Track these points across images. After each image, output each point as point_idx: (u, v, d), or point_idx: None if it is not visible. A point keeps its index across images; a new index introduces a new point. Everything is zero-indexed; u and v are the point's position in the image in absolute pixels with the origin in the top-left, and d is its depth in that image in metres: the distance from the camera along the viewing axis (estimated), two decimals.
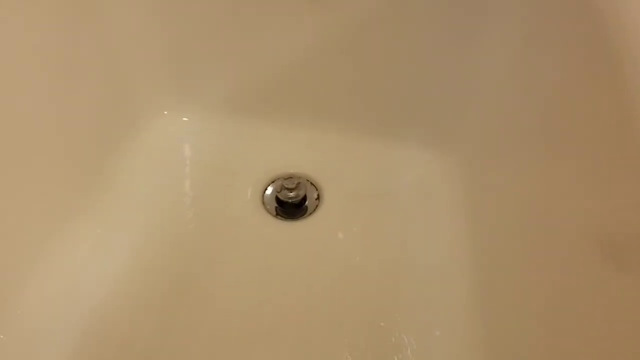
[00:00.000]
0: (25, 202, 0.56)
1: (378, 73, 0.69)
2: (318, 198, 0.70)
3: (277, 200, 0.69)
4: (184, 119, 0.77)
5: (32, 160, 0.57)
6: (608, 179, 0.40)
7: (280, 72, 0.72)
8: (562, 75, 0.50)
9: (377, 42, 0.67)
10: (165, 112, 0.76)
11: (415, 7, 0.63)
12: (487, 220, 0.60)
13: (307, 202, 0.69)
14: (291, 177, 0.71)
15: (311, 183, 0.71)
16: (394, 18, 0.65)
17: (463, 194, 0.66)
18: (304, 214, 0.68)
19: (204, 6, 0.68)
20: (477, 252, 0.59)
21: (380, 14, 0.65)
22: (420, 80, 0.69)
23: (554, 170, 0.48)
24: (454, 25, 0.63)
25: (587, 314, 0.39)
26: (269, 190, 0.70)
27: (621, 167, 0.38)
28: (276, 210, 0.69)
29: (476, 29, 0.62)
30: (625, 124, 0.38)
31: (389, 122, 0.73)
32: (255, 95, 0.75)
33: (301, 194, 0.69)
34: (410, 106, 0.71)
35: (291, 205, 0.68)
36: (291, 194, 0.68)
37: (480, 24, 0.62)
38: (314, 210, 0.69)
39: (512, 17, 0.60)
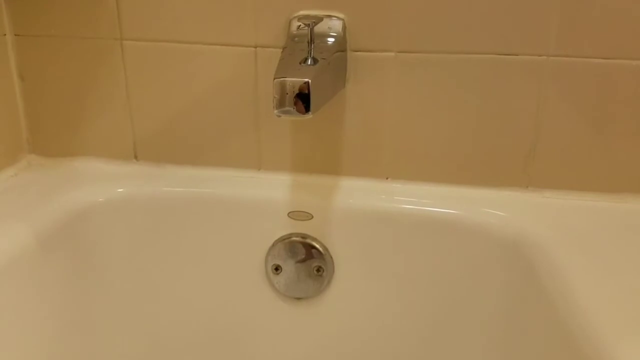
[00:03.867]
0: None
1: None
2: None
3: None
4: None
5: None
6: None
7: None
8: None
9: (364, 346, 0.68)
10: None
11: (399, 316, 0.66)
12: None
13: None
14: None
15: None
16: (379, 324, 0.67)
17: None
18: None
19: (191, 315, 0.70)
20: None
21: (366, 321, 0.67)
22: None
23: None
24: (435, 330, 0.65)
25: None
26: None
27: None
28: None
29: (454, 331, 0.65)
30: None
31: None
32: None
33: None
34: None
35: None
36: None
37: (457, 328, 0.65)
38: None
39: (485, 321, 0.63)
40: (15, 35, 0.66)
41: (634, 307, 0.46)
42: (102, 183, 0.66)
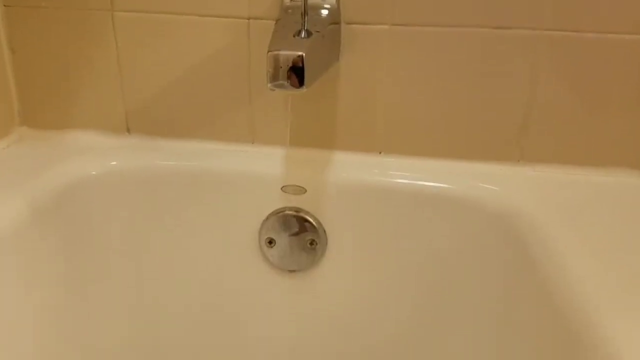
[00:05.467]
0: None
1: (358, 347, 0.70)
2: None
3: None
4: None
5: None
6: None
7: (261, 350, 0.73)
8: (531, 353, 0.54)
9: (356, 319, 0.69)
10: None
11: (392, 291, 0.67)
12: None
13: None
14: None
15: None
16: (371, 298, 0.68)
17: None
18: None
19: (184, 292, 0.70)
20: None
21: (358, 294, 0.68)
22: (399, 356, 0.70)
23: None
24: (426, 305, 0.66)
25: None
26: None
27: None
28: None
29: (445, 308, 0.66)
30: None
31: None
32: None
33: None
34: None
35: None
36: None
37: (448, 304, 0.65)
38: None
39: (477, 296, 0.63)
40: (5, 6, 0.65)
41: (625, 280, 0.47)
42: (94, 156, 0.66)
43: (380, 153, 0.66)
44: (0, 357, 0.54)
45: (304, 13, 0.55)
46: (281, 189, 0.65)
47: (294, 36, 0.54)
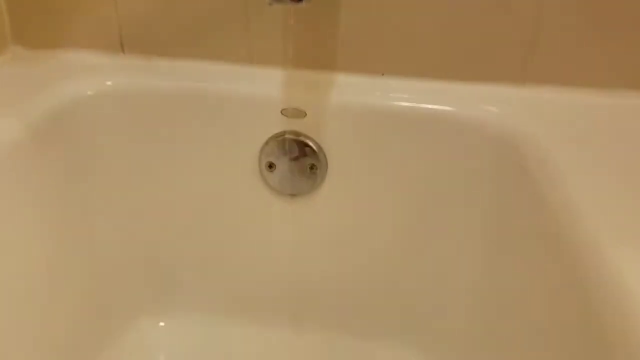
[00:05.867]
0: None
1: (357, 273, 0.71)
2: None
3: None
4: (161, 324, 0.76)
5: None
6: None
7: (260, 274, 0.73)
8: (525, 274, 0.54)
9: (355, 244, 0.69)
10: (142, 318, 0.75)
11: (391, 214, 0.67)
12: None
13: None
14: None
15: None
16: (371, 222, 0.68)
17: None
18: None
19: (185, 214, 0.70)
20: None
21: (358, 218, 0.68)
22: (399, 280, 0.70)
23: None
24: (426, 229, 0.67)
25: None
26: None
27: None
28: None
29: (445, 231, 0.66)
30: (588, 317, 0.41)
31: (370, 321, 0.74)
32: (235, 296, 0.75)
33: None
34: (391, 305, 0.72)
35: None
36: None
37: (448, 227, 0.66)
38: None
39: (477, 221, 0.64)
40: None
41: (627, 204, 0.46)
42: (89, 76, 0.64)
43: (382, 75, 0.64)
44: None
45: None
46: (281, 112, 0.63)
47: None
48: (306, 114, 0.63)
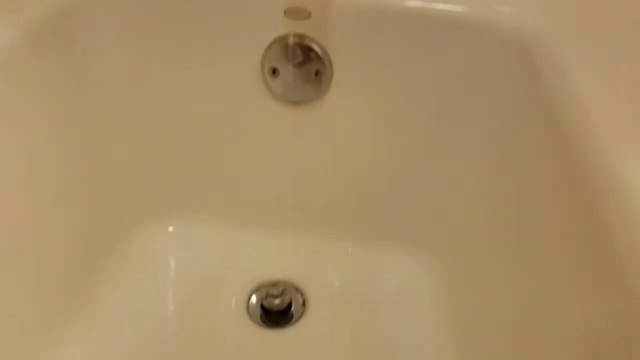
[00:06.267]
0: (3, 317, 0.54)
1: (362, 181, 0.71)
2: (304, 304, 0.69)
3: (262, 307, 0.68)
4: (169, 228, 0.77)
5: (8, 274, 0.55)
6: (588, 283, 0.41)
7: (265, 182, 0.73)
8: (533, 186, 0.53)
9: (360, 153, 0.69)
10: (151, 222, 0.76)
11: (395, 124, 0.65)
12: (472, 324, 0.62)
13: (292, 309, 0.69)
14: (276, 284, 0.70)
15: (296, 289, 0.71)
16: (375, 132, 0.67)
17: (448, 298, 0.68)
18: (289, 321, 0.67)
19: (190, 121, 0.69)
20: (462, 355, 0.61)
21: (363, 128, 0.67)
22: (402, 188, 0.70)
23: (535, 276, 0.50)
24: (432, 138, 0.65)
25: None
26: (254, 298, 0.70)
27: (600, 273, 0.39)
28: (261, 319, 0.68)
29: (452, 141, 0.65)
30: (602, 229, 0.39)
31: (373, 227, 0.74)
32: (240, 202, 0.75)
33: (286, 300, 0.68)
34: (394, 212, 0.72)
35: (276, 313, 0.68)
36: (276, 301, 0.68)
37: (456, 137, 0.64)
38: (300, 316, 0.68)
39: (483, 131, 0.62)
40: None
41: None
42: None
43: None
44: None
45: None
46: (284, 12, 0.61)
47: None
48: (311, 15, 0.61)
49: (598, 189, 0.41)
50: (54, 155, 0.61)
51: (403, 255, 0.74)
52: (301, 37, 0.62)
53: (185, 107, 0.69)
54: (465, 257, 0.67)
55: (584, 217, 0.42)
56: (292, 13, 0.61)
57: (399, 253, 0.74)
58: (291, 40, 0.62)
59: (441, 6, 0.58)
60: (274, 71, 0.64)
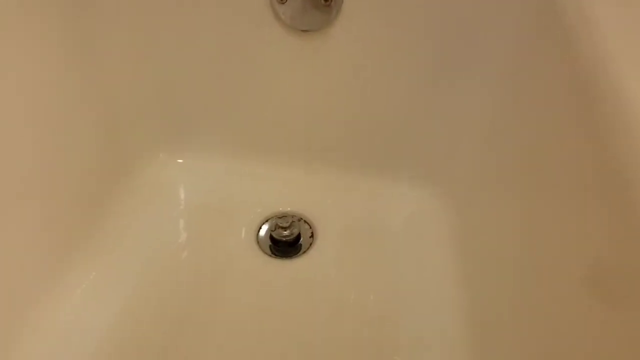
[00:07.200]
0: (16, 247, 0.55)
1: (371, 113, 0.70)
2: (312, 236, 0.70)
3: (272, 239, 0.69)
4: (179, 160, 0.77)
5: (22, 206, 0.55)
6: (593, 217, 0.41)
7: (273, 113, 0.72)
8: (546, 118, 0.51)
9: (369, 84, 0.67)
10: (160, 155, 0.76)
11: (407, 52, 0.64)
12: (477, 256, 0.62)
13: (301, 240, 0.69)
14: (285, 216, 0.71)
15: (305, 221, 0.71)
16: (386, 61, 0.65)
17: (453, 230, 0.68)
18: (298, 252, 0.68)
19: (196, 53, 0.68)
20: (467, 287, 0.61)
21: (373, 57, 0.65)
22: (412, 121, 0.69)
23: (541, 208, 0.49)
24: (444, 67, 0.64)
25: (577, 346, 0.40)
26: (263, 229, 0.70)
27: (604, 207, 0.39)
28: (270, 249, 0.68)
29: (464, 71, 0.64)
30: (608, 167, 0.39)
31: (381, 161, 0.74)
32: (249, 135, 0.75)
33: (295, 232, 0.68)
34: (402, 146, 0.72)
35: (285, 244, 0.68)
36: (285, 232, 0.68)
37: (468, 67, 0.63)
38: (308, 248, 0.68)
39: (498, 60, 0.61)
40: None
41: None
42: None
43: None
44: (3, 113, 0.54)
45: None
46: None
47: None
48: None
49: (613, 129, 0.40)
50: (62, 87, 0.61)
51: (411, 189, 0.74)
52: None
53: (192, 38, 0.67)
54: (473, 191, 0.66)
55: (593, 154, 0.42)
56: None
57: (407, 187, 0.74)
58: None
59: None
60: None
